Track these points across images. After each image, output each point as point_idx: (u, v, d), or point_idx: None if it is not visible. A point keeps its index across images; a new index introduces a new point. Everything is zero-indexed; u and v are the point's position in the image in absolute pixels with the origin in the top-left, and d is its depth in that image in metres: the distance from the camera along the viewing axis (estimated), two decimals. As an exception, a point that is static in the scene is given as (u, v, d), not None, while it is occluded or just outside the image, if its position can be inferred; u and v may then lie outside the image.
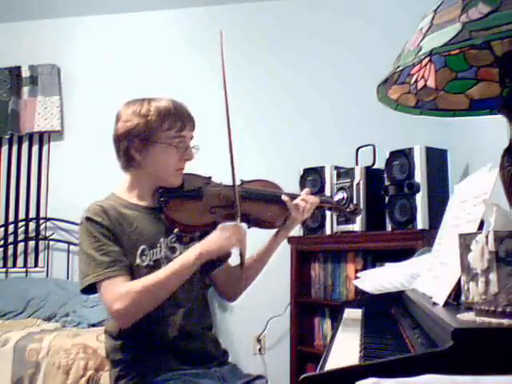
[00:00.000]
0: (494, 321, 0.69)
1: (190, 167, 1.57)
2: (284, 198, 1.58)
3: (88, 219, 1.42)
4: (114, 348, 1.45)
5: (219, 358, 1.52)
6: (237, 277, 1.59)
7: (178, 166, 1.51)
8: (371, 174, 2.77)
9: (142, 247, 1.44)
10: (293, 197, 1.61)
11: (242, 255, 1.46)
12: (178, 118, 1.48)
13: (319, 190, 2.86)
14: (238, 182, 1.55)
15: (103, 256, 1.38)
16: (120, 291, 1.34)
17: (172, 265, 1.39)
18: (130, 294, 1.34)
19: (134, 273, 1.42)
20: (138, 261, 1.43)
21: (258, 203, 1.57)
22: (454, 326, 0.68)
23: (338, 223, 2.81)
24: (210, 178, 1.58)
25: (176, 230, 1.46)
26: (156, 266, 1.44)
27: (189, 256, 1.40)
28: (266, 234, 1.63)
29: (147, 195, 1.52)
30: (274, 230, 1.64)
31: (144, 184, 1.52)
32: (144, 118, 1.46)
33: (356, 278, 1.87)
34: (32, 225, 3.86)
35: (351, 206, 1.77)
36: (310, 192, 1.66)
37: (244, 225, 1.52)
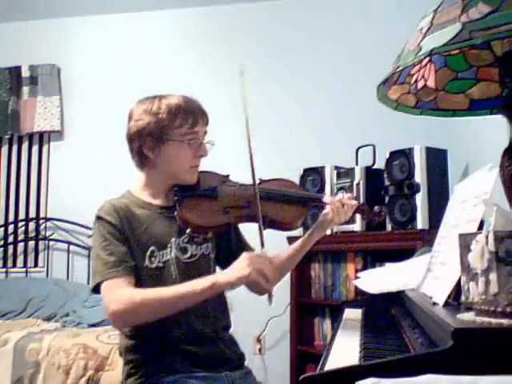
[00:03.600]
0: (493, 321, 0.69)
1: (204, 166, 1.56)
2: (326, 199, 1.57)
3: (99, 218, 1.43)
4: (126, 347, 1.46)
5: (233, 362, 1.50)
6: None
7: (192, 163, 1.49)
8: (371, 173, 2.77)
9: (151, 249, 1.43)
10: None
11: (269, 295, 1.35)
12: (189, 114, 1.46)
13: (319, 190, 2.86)
14: (256, 181, 1.51)
15: (109, 256, 1.37)
16: (121, 295, 1.33)
17: (181, 287, 1.33)
18: (129, 300, 1.31)
19: (142, 275, 1.42)
20: (146, 262, 1.42)
21: (274, 204, 1.52)
22: (454, 326, 0.68)
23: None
24: (227, 176, 1.56)
25: (188, 230, 1.43)
26: (165, 267, 1.44)
27: (202, 283, 1.31)
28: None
29: (162, 194, 1.51)
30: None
31: (159, 182, 1.51)
32: (155, 117, 1.44)
33: (356, 278, 1.87)
34: (32, 225, 3.86)
35: (376, 208, 1.65)
36: (352, 197, 1.63)
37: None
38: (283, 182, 1.63)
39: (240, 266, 1.31)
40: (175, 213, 1.45)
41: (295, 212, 1.55)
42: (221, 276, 1.34)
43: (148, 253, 1.43)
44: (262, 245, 1.37)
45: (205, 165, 1.56)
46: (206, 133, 1.52)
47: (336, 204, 1.55)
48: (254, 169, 1.43)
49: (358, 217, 2.68)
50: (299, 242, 1.63)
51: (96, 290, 1.39)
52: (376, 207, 1.64)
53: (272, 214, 1.49)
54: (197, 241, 1.48)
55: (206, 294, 1.33)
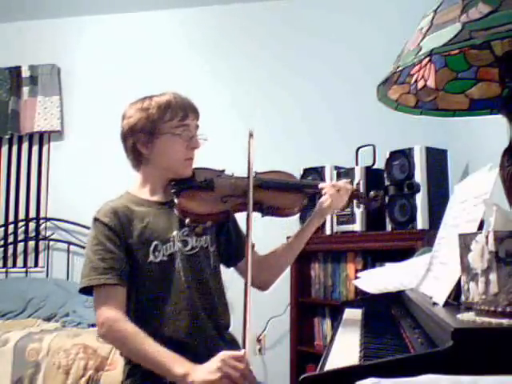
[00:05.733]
0: (493, 321, 0.69)
1: (203, 164, 1.58)
2: (321, 185, 1.59)
3: (95, 220, 1.45)
4: None
5: None
6: (266, 266, 1.61)
7: (185, 156, 1.51)
8: (371, 173, 2.77)
9: (154, 243, 1.45)
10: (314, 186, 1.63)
11: None
12: (179, 108, 1.50)
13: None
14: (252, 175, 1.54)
15: (100, 261, 1.39)
16: (107, 316, 1.36)
17: (160, 352, 1.31)
18: (111, 329, 1.36)
19: (147, 270, 1.43)
20: (151, 257, 1.44)
21: (271, 192, 1.55)
22: (454, 326, 0.68)
23: (338, 223, 2.81)
24: (223, 171, 1.58)
25: (188, 221, 1.45)
26: (170, 260, 1.45)
27: (174, 364, 1.29)
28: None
29: (159, 190, 1.53)
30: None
31: (155, 179, 1.53)
32: (145, 112, 1.48)
33: (356, 277, 1.87)
34: (32, 225, 3.86)
35: (371, 193, 1.65)
36: (348, 182, 1.65)
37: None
38: (280, 173, 1.65)
39: (209, 368, 1.23)
40: (173, 206, 1.47)
41: (292, 198, 1.58)
42: (194, 373, 1.26)
43: (152, 248, 1.44)
44: (244, 345, 1.26)
45: (204, 163, 1.57)
46: (197, 127, 1.55)
47: (332, 189, 1.57)
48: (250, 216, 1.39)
49: (358, 217, 2.69)
50: (298, 231, 1.65)
51: (83, 291, 1.43)
52: (372, 192, 1.66)
53: (269, 201, 1.53)
54: (197, 231, 1.49)
55: (173, 377, 1.29)
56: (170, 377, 1.30)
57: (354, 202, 1.74)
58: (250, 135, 1.47)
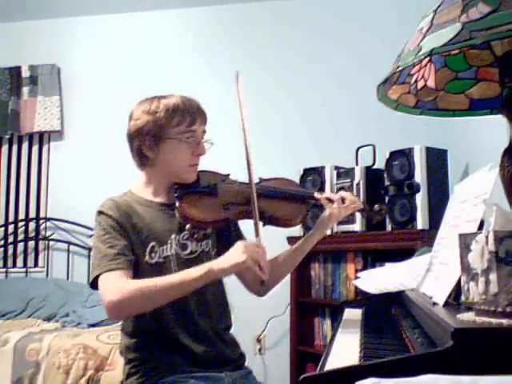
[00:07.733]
0: (493, 321, 0.69)
1: (206, 165, 1.57)
2: (317, 195, 1.58)
3: (100, 213, 1.44)
4: (127, 346, 1.46)
5: (234, 362, 1.50)
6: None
7: (190, 162, 1.50)
8: (371, 173, 2.77)
9: (151, 244, 1.44)
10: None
11: (262, 282, 1.38)
12: (187, 113, 1.48)
13: (319, 190, 2.86)
14: (256, 180, 1.53)
15: (109, 248, 1.38)
16: (117, 285, 1.33)
17: (176, 275, 1.35)
18: (125, 290, 1.31)
19: (142, 270, 1.42)
20: (146, 258, 1.43)
21: (274, 201, 1.54)
22: (454, 326, 0.68)
23: (338, 223, 2.81)
24: (227, 175, 1.57)
25: (188, 226, 1.45)
26: (165, 262, 1.45)
27: (195, 271, 1.33)
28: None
29: (162, 192, 1.52)
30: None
31: (159, 181, 1.53)
32: (153, 116, 1.46)
33: (356, 278, 1.87)
34: (32, 225, 3.86)
35: (376, 206, 1.65)
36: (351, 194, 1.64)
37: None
38: (283, 181, 1.64)
39: (235, 253, 1.34)
40: (175, 210, 1.46)
41: (294, 209, 1.56)
42: (216, 263, 1.34)
43: (148, 248, 1.44)
44: (257, 234, 1.40)
45: (206, 164, 1.57)
46: (204, 132, 1.53)
47: (336, 197, 1.56)
48: (251, 174, 1.44)
49: (358, 217, 2.69)
50: (301, 241, 1.64)
51: (94, 285, 1.38)
52: (376, 206, 1.65)
53: (271, 211, 1.51)
54: (196, 237, 1.49)
55: (200, 282, 1.34)
56: (198, 282, 1.33)
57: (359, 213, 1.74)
58: (237, 77, 1.46)
